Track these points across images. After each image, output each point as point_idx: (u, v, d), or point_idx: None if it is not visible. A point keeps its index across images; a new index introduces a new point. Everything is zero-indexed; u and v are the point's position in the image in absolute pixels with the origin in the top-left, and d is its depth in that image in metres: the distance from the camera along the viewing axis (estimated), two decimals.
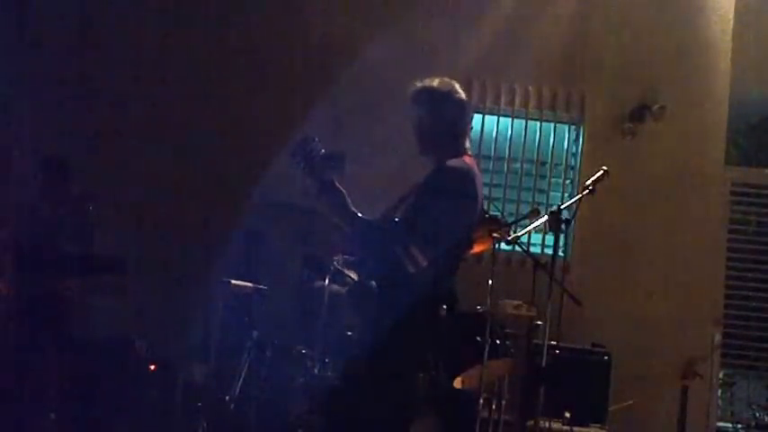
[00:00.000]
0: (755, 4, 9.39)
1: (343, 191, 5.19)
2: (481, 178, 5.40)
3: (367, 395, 5.14)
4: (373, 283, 5.30)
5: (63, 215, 7.52)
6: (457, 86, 5.45)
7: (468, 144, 5.46)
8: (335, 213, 5.26)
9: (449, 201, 5.14)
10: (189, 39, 9.00)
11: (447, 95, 5.42)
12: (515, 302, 7.49)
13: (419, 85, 5.43)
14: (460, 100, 5.44)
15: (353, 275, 6.80)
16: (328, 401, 6.31)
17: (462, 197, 5.22)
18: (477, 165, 5.42)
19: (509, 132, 9.33)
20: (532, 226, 6.47)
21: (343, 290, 7.05)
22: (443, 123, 5.39)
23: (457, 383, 6.41)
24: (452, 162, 5.26)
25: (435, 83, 5.43)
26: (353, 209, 5.19)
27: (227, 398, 7.14)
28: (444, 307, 5.22)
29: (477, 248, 6.68)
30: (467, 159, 5.35)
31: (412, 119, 5.44)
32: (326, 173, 5.18)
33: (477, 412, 6.54)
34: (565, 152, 9.39)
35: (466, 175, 5.26)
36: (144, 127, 8.79)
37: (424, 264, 5.05)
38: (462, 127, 5.46)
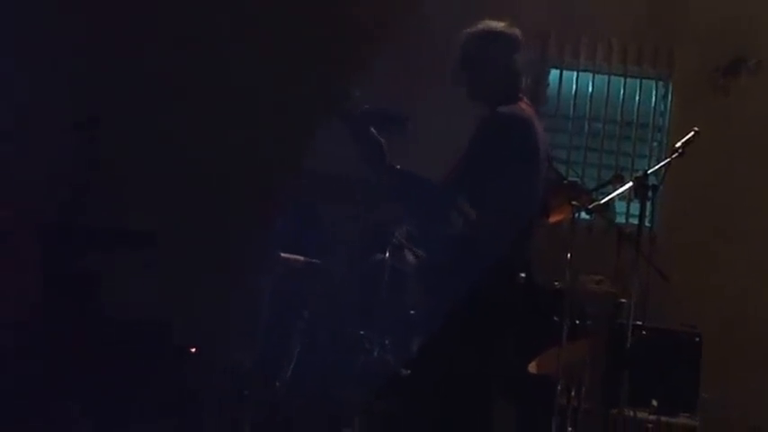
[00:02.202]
0: None
1: (381, 140, 5.13)
2: (541, 127, 5.40)
3: (435, 382, 5.19)
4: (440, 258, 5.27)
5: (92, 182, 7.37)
6: (509, 26, 5.41)
7: (522, 90, 5.41)
8: (369, 164, 5.21)
9: (501, 148, 5.09)
10: (205, 29, 8.66)
11: (497, 35, 5.38)
12: (597, 277, 7.27)
13: (473, 27, 5.40)
14: (513, 40, 5.41)
15: (418, 250, 6.71)
16: (392, 388, 6.27)
17: (516, 144, 5.16)
18: (537, 113, 5.40)
19: (590, 89, 9.09)
20: (616, 193, 6.11)
21: (405, 265, 6.91)
22: (494, 64, 5.35)
23: (532, 368, 6.23)
24: (504, 108, 5.19)
25: (485, 23, 5.39)
26: (390, 162, 5.14)
27: (276, 384, 6.91)
28: (523, 275, 5.21)
29: (554, 217, 6.43)
30: (522, 106, 5.27)
31: (462, 62, 5.39)
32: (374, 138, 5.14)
33: (555, 400, 6.18)
34: (652, 111, 9.12)
35: (520, 121, 5.21)
36: (181, 89, 8.53)
37: (476, 219, 4.98)
38: (515, 69, 5.39)
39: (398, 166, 5.13)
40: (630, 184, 6.01)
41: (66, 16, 8.35)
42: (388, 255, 6.83)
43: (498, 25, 5.39)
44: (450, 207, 5.07)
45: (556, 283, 6.49)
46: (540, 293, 5.94)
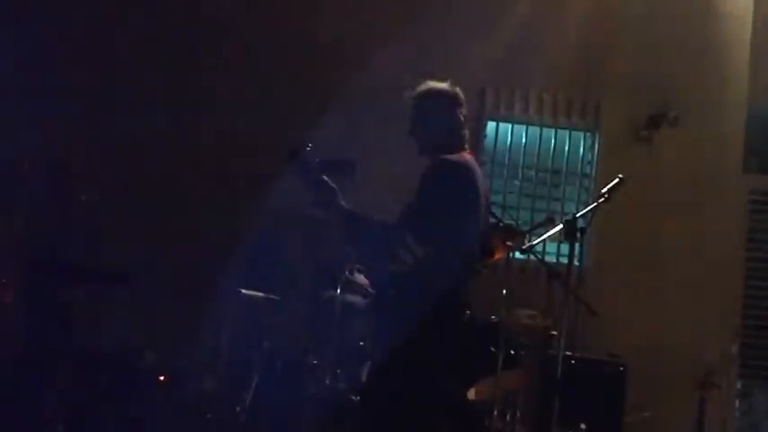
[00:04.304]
0: None
1: (335, 187, 5.29)
2: (480, 173, 5.45)
3: (383, 407, 5.18)
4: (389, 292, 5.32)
5: (70, 223, 7.48)
6: (450, 85, 5.54)
7: (465, 141, 5.52)
8: (323, 207, 5.35)
9: (444, 191, 5.20)
10: (196, 45, 8.94)
11: (438, 94, 5.50)
12: (530, 312, 7.46)
13: (414, 88, 5.54)
14: (453, 97, 5.52)
15: (365, 285, 6.89)
16: (343, 414, 6.40)
17: (458, 187, 5.27)
18: (478, 161, 5.52)
19: (523, 140, 9.31)
20: (547, 234, 6.44)
21: (354, 299, 7.05)
22: (438, 122, 5.47)
23: (470, 394, 6.42)
24: (448, 156, 5.32)
25: (429, 84, 5.53)
26: (346, 206, 5.29)
27: (237, 409, 7.08)
28: (468, 313, 5.34)
29: (491, 257, 6.74)
30: (464, 155, 5.40)
31: (409, 120, 5.53)
32: (327, 185, 5.27)
33: (492, 424, 6.51)
34: (580, 160, 9.37)
35: (461, 167, 5.32)
36: (153, 135, 8.68)
37: (422, 255, 5.09)
38: (457, 123, 5.51)
39: (348, 208, 5.25)
40: (561, 226, 6.21)
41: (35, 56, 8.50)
42: (339, 291, 6.95)
43: (440, 84, 5.54)
44: (398, 245, 5.15)
45: (492, 317, 6.64)
46: (477, 327, 6.06)
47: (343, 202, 5.28)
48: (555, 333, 6.67)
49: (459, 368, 5.56)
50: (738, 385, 9.14)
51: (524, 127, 9.31)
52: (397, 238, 5.18)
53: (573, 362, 6.34)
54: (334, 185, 5.28)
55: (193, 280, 8.21)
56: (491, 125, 9.26)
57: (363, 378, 6.48)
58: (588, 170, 9.33)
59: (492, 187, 9.05)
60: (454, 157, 5.33)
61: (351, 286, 7.07)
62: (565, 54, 8.98)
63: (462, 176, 5.30)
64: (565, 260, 6.29)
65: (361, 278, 6.92)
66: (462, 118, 5.53)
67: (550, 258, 8.81)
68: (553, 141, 9.32)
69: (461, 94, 5.56)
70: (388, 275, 5.33)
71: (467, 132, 5.55)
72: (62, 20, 8.75)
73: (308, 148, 5.32)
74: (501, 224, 6.83)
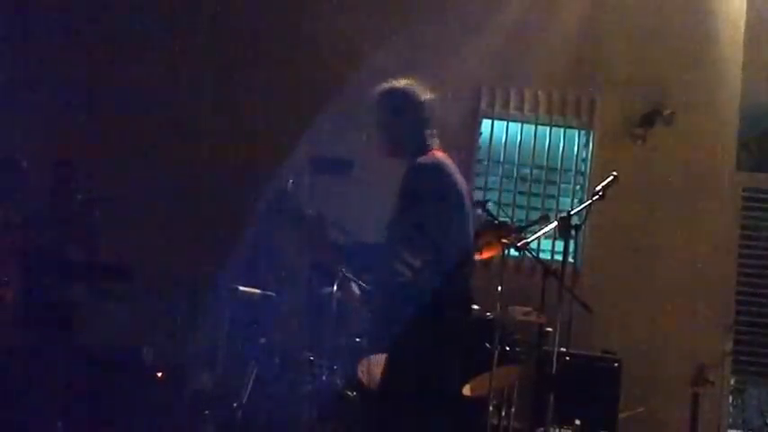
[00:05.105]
0: (766, 9, 9.34)
1: (328, 237, 5.45)
2: (456, 169, 5.42)
3: (382, 401, 5.27)
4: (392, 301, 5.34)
5: (68, 221, 7.50)
6: (413, 84, 5.51)
7: (432, 140, 5.46)
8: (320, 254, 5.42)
9: (426, 199, 5.20)
10: (194, 43, 8.99)
11: (403, 94, 5.48)
12: (525, 309, 7.31)
13: (377, 89, 5.53)
14: (417, 96, 5.48)
15: (362, 282, 6.83)
16: (339, 409, 6.44)
17: (438, 189, 5.26)
18: (451, 157, 5.43)
19: (518, 138, 9.33)
20: (542, 232, 6.47)
21: (351, 296, 7.01)
22: (405, 122, 5.44)
23: (466, 390, 6.41)
24: (421, 159, 5.30)
25: (391, 84, 5.52)
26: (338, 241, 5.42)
27: (234, 405, 7.10)
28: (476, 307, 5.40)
29: (486, 254, 6.85)
30: (437, 153, 5.38)
31: (377, 123, 5.53)
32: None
33: (487, 420, 6.53)
34: (574, 158, 9.39)
35: (436, 169, 5.30)
36: (151, 133, 8.77)
37: (420, 265, 5.11)
38: (424, 123, 5.46)
39: (341, 244, 5.40)
40: (555, 223, 6.32)
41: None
42: (335, 288, 6.91)
43: (400, 83, 5.51)
44: (396, 263, 5.14)
45: (488, 314, 6.64)
46: (473, 323, 5.92)
47: (335, 238, 5.42)
48: (550, 330, 6.63)
49: (455, 364, 5.50)
50: (732, 381, 9.19)
51: (519, 125, 9.33)
52: (393, 256, 5.18)
53: (567, 358, 6.19)
54: (328, 237, 5.41)
55: (191, 277, 8.23)
56: (486, 123, 9.28)
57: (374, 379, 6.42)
58: (583, 168, 9.35)
59: (487, 185, 9.20)
60: (428, 159, 5.32)
61: (347, 283, 7.00)
62: (560, 52, 9.00)
63: (440, 178, 5.30)
64: (559, 257, 6.40)
65: (353, 288, 6.92)
66: (426, 116, 5.48)
67: (545, 255, 8.85)
68: (548, 139, 9.33)
69: (423, 93, 5.51)
70: (390, 288, 5.34)
71: (434, 131, 5.49)
72: (62, 16, 8.83)
73: (291, 183, 5.45)
74: (496, 221, 6.83)
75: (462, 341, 5.38)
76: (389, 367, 5.27)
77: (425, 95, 5.50)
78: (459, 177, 5.40)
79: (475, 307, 5.90)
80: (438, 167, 5.31)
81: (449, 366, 5.37)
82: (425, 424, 5.31)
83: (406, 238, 5.17)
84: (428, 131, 5.46)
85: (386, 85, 5.51)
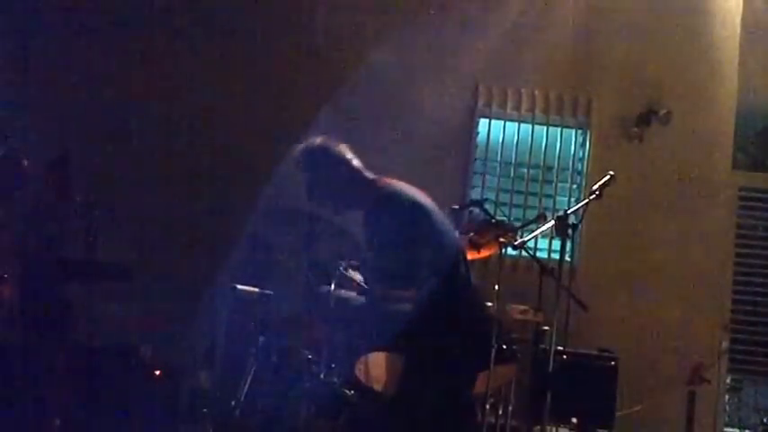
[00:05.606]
0: (762, 9, 9.36)
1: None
2: (408, 187, 5.45)
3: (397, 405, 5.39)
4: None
5: (67, 221, 7.44)
6: (324, 140, 5.53)
7: (367, 171, 5.51)
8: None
9: (394, 230, 5.25)
10: (193, 42, 9.01)
11: (323, 151, 5.51)
12: (522, 307, 7.42)
13: (293, 153, 5.53)
14: (334, 149, 5.52)
15: (359, 280, 6.78)
16: (337, 407, 6.40)
17: (403, 217, 5.30)
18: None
19: (515, 137, 9.35)
20: (539, 231, 6.43)
21: (348, 294, 6.90)
22: (337, 176, 5.48)
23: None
24: (380, 191, 5.37)
25: (303, 146, 5.53)
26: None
27: (232, 403, 7.01)
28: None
29: (483, 253, 6.80)
30: (385, 182, 5.43)
31: (306, 184, 5.54)
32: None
33: (484, 417, 6.52)
34: (571, 157, 9.41)
35: (394, 197, 5.36)
36: (149, 132, 8.79)
37: (411, 294, 5.18)
38: (351, 170, 5.51)
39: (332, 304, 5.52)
40: (552, 222, 6.23)
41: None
42: (333, 286, 6.78)
43: (309, 142, 5.53)
44: (389, 304, 5.26)
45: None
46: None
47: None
48: (547, 328, 6.66)
49: (454, 363, 5.59)
50: (728, 380, 9.22)
51: (516, 124, 9.35)
52: (385, 299, 5.28)
53: (564, 356, 6.12)
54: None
55: (189, 276, 8.24)
56: (483, 122, 9.31)
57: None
58: (579, 167, 9.38)
59: (484, 184, 9.21)
60: (383, 191, 5.37)
61: (345, 282, 6.90)
62: (556, 52, 9.07)
63: (402, 202, 5.34)
64: (556, 256, 6.38)
65: (356, 275, 6.92)
66: (348, 157, 5.51)
67: (542, 254, 8.87)
68: (545, 138, 9.35)
69: (328, 140, 5.54)
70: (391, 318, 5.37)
71: (360, 164, 5.52)
72: (63, 16, 8.83)
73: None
74: (494, 220, 6.80)
75: (477, 344, 5.52)
76: (407, 374, 5.35)
77: (333, 143, 5.52)
78: (419, 193, 5.44)
79: (488, 304, 6.01)
80: (397, 193, 5.36)
81: (446, 364, 5.42)
82: (424, 422, 5.44)
83: (388, 277, 5.27)
84: (359, 171, 5.51)
85: (299, 147, 5.53)
